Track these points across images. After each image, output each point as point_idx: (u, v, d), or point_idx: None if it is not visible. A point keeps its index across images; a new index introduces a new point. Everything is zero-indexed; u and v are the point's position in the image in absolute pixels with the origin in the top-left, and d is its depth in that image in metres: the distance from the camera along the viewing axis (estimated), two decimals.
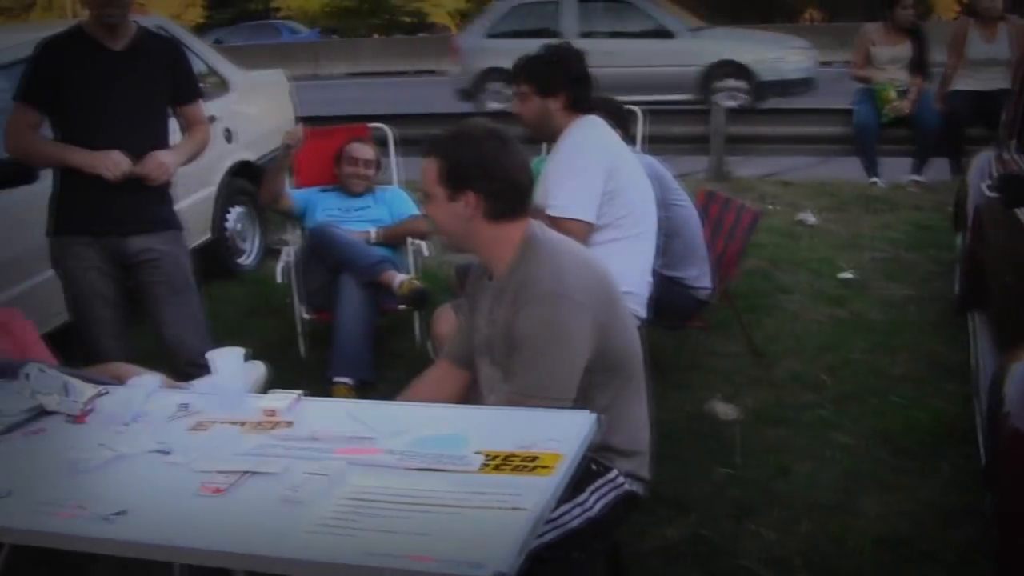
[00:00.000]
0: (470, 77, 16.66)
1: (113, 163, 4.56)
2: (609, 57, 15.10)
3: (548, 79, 4.60)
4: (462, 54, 17.16)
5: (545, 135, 4.74)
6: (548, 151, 5.26)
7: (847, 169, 11.13)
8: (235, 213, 8.26)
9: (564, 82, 4.62)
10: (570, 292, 3.10)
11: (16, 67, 5.69)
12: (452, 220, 3.25)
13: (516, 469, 2.48)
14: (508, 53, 14.32)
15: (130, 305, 5.03)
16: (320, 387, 5.51)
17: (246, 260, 8.48)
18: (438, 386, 3.54)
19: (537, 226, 3.33)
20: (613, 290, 3.28)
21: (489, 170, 3.22)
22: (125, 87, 4.70)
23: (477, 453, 2.56)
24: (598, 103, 4.86)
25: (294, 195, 6.60)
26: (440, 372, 3.62)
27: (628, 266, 4.41)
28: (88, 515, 2.41)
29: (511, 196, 3.26)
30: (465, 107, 16.02)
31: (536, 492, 2.35)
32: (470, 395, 3.54)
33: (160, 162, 4.70)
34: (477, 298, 3.44)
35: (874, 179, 10.60)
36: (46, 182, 5.11)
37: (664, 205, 4.99)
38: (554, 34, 15.46)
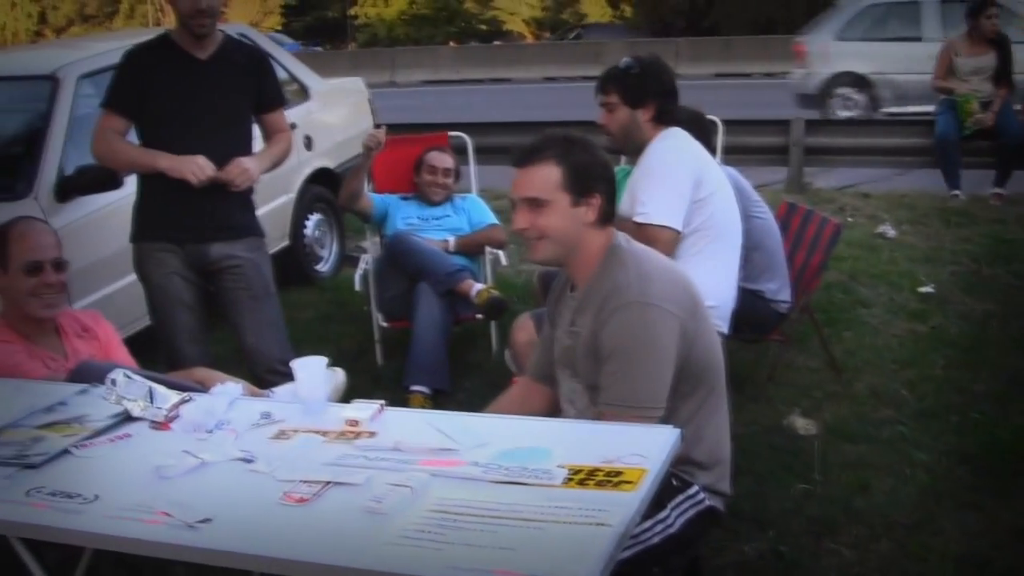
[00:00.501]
0: (817, 82, 15.08)
1: (198, 167, 4.59)
2: None
3: (638, 90, 4.62)
4: (808, 57, 15.42)
5: (630, 146, 4.73)
6: (626, 162, 5.25)
7: (926, 181, 10.96)
8: (313, 220, 8.29)
9: (654, 94, 4.63)
10: (658, 300, 3.10)
11: (102, 75, 5.80)
12: (570, 226, 3.23)
13: (600, 484, 2.47)
14: (861, 57, 13.23)
15: (208, 311, 5.07)
16: (396, 395, 5.53)
17: (323, 267, 8.51)
18: (522, 403, 3.55)
19: (622, 236, 3.33)
20: (698, 299, 3.27)
21: (608, 173, 3.28)
22: (210, 95, 4.74)
23: (561, 467, 2.56)
24: (681, 114, 4.86)
25: (373, 198, 6.63)
26: (523, 389, 3.62)
27: (714, 278, 4.40)
28: (173, 522, 2.43)
29: (615, 201, 3.32)
30: (576, 114, 14.62)
31: (620, 508, 2.35)
32: (555, 410, 3.56)
33: (244, 168, 4.73)
34: (558, 310, 3.44)
35: (955, 191, 10.39)
36: (130, 188, 5.18)
37: (745, 218, 4.97)
38: (913, 36, 14.11)
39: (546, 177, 3.20)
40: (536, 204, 3.21)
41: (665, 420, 3.05)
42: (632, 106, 4.62)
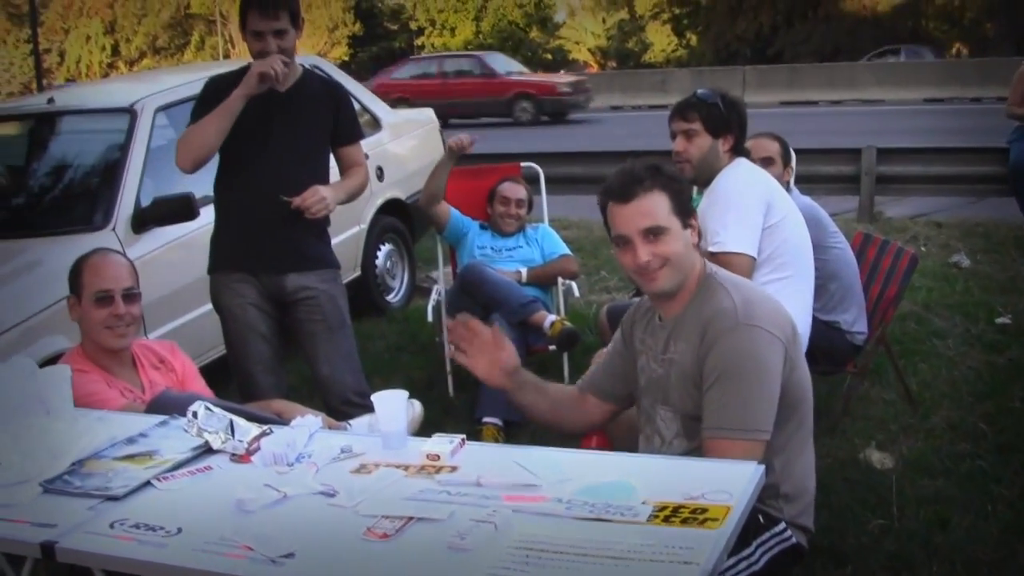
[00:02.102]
0: None
1: (266, 64, 4.57)
2: None
3: (722, 119, 4.64)
4: None
5: (705, 175, 4.71)
6: (696, 193, 5.24)
7: (1001, 210, 10.80)
8: (384, 251, 8.35)
9: (735, 125, 4.68)
10: (764, 324, 3.12)
11: (178, 107, 5.89)
12: (687, 249, 3.26)
13: (685, 521, 2.44)
14: None
15: (283, 341, 5.09)
16: (467, 427, 5.54)
17: (394, 298, 8.56)
18: (575, 409, 3.63)
19: (714, 265, 3.34)
20: (795, 326, 3.28)
21: (691, 193, 3.31)
22: (288, 127, 4.78)
23: (645, 504, 2.53)
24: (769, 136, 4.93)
25: (452, 213, 6.68)
26: (579, 404, 3.66)
27: (790, 308, 4.36)
28: (256, 556, 2.43)
29: None
30: (643, 143, 12.86)
31: (707, 546, 2.32)
32: (618, 430, 3.57)
33: (321, 196, 4.74)
34: (643, 337, 3.43)
35: None
36: (205, 219, 5.23)
37: (821, 247, 4.96)
38: None
39: (659, 205, 3.21)
40: (656, 233, 3.20)
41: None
42: (714, 135, 4.64)
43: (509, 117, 27.52)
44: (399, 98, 25.18)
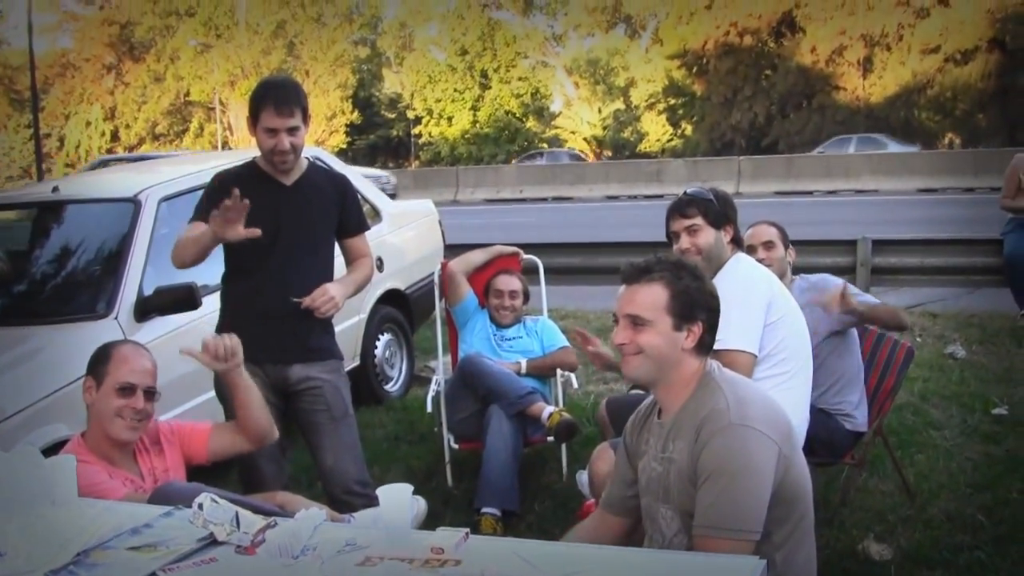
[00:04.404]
0: None
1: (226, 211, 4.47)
2: None
3: (721, 212, 4.76)
4: None
5: (714, 265, 4.77)
6: None
7: (995, 300, 10.88)
8: (383, 340, 8.37)
9: (732, 217, 4.81)
10: (756, 424, 3.14)
11: (181, 197, 5.96)
12: (668, 349, 3.29)
13: None
14: None
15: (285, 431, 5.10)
16: (466, 517, 5.54)
17: (393, 387, 8.57)
18: (594, 534, 3.58)
19: (715, 364, 3.38)
20: (791, 425, 3.31)
21: (713, 303, 3.35)
22: (294, 219, 4.84)
23: None
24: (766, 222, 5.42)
25: (470, 293, 6.86)
26: (597, 520, 3.66)
27: (789, 405, 4.39)
28: None
29: (715, 331, 3.38)
30: (636, 234, 12.49)
31: None
32: (630, 539, 3.57)
33: (331, 296, 4.81)
34: (642, 437, 3.46)
35: None
36: (207, 308, 5.27)
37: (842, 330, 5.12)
38: None
39: (652, 298, 3.28)
40: (638, 322, 3.28)
41: (759, 544, 3.07)
42: (716, 227, 4.73)
43: None
44: None
